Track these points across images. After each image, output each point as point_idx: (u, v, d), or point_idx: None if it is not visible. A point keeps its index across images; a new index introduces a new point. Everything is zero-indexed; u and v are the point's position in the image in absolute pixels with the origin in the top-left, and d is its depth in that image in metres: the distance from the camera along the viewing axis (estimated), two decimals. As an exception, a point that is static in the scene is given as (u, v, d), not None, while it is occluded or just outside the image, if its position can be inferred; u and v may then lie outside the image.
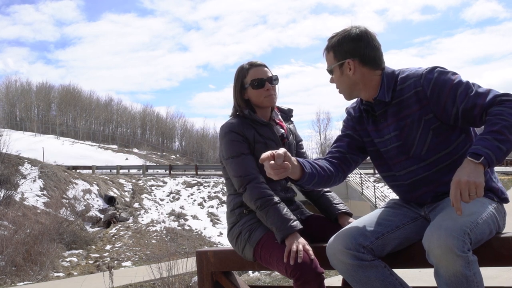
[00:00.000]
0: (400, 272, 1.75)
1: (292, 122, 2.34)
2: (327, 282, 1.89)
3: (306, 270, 1.80)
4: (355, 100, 2.02)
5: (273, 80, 2.18)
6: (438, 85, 1.73)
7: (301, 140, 2.34)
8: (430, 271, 1.59)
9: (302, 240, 1.90)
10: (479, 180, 1.51)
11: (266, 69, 2.20)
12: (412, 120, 1.78)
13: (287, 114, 2.33)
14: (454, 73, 1.75)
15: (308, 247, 1.88)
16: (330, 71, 1.91)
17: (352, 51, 1.83)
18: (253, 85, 2.15)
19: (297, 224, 1.95)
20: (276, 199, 2.01)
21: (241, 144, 2.10)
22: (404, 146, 1.82)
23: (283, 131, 2.22)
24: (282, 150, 1.65)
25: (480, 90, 1.70)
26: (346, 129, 2.01)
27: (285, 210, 1.98)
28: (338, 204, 2.19)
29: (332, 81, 1.93)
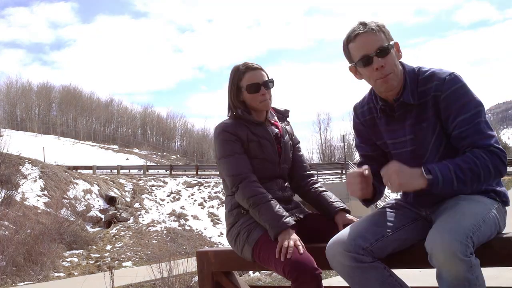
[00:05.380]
0: (400, 273, 1.75)
1: (288, 123, 2.33)
2: (327, 282, 1.89)
3: (303, 271, 1.79)
4: (361, 99, 1.95)
5: (268, 83, 2.16)
6: (453, 96, 1.68)
7: (299, 143, 2.33)
8: (430, 271, 1.59)
9: (294, 236, 1.90)
10: (405, 184, 1.56)
11: (262, 72, 2.17)
12: (428, 124, 1.74)
13: (283, 115, 2.33)
14: (472, 93, 1.69)
15: (299, 243, 1.87)
16: (386, 49, 1.71)
17: (391, 36, 1.76)
18: (248, 90, 2.14)
19: (289, 220, 1.95)
20: (269, 196, 2.01)
21: (234, 144, 2.10)
22: (418, 151, 1.79)
23: (277, 130, 2.22)
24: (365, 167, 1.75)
25: (483, 127, 1.65)
26: (359, 138, 1.97)
27: (278, 207, 1.98)
28: (335, 201, 2.18)
29: (380, 63, 1.71)
